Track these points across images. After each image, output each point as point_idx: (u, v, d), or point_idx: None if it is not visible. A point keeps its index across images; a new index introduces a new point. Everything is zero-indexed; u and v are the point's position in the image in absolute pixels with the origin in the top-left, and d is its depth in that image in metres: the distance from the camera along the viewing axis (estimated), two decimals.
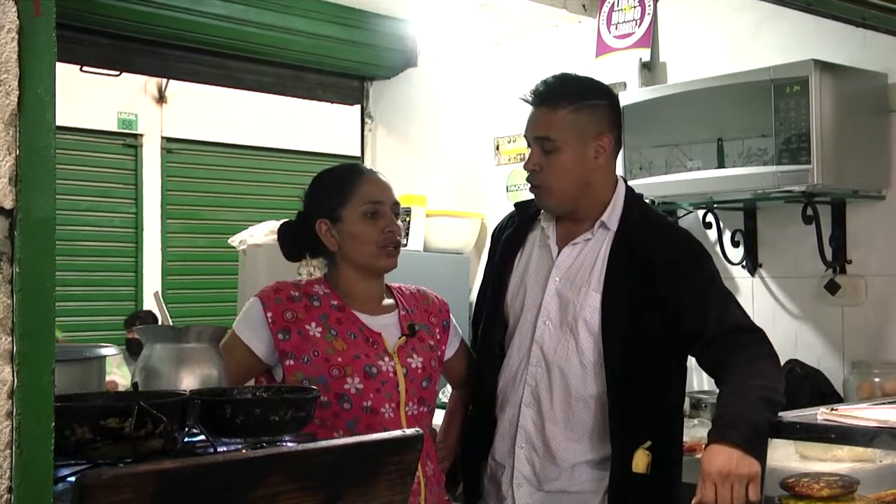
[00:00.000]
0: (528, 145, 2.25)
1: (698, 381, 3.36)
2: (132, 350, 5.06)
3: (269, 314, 2.13)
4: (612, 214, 2.22)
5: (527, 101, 2.25)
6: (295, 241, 2.28)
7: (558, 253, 2.25)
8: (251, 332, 2.14)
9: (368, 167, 2.41)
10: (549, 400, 2.19)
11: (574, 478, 2.18)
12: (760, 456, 1.94)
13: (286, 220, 2.34)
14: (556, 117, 2.19)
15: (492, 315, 2.33)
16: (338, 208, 2.20)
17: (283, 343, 2.12)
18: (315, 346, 2.12)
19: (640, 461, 2.11)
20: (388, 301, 2.27)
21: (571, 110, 2.18)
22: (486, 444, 2.29)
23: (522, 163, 2.28)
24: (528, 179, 2.26)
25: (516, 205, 2.46)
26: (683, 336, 2.16)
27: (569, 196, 2.21)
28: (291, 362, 2.11)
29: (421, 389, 2.20)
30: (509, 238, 2.37)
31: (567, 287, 2.22)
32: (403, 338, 2.21)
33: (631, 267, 2.17)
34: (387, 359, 2.16)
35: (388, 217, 2.21)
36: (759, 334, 2.15)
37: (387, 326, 2.21)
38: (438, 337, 2.30)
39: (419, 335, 2.23)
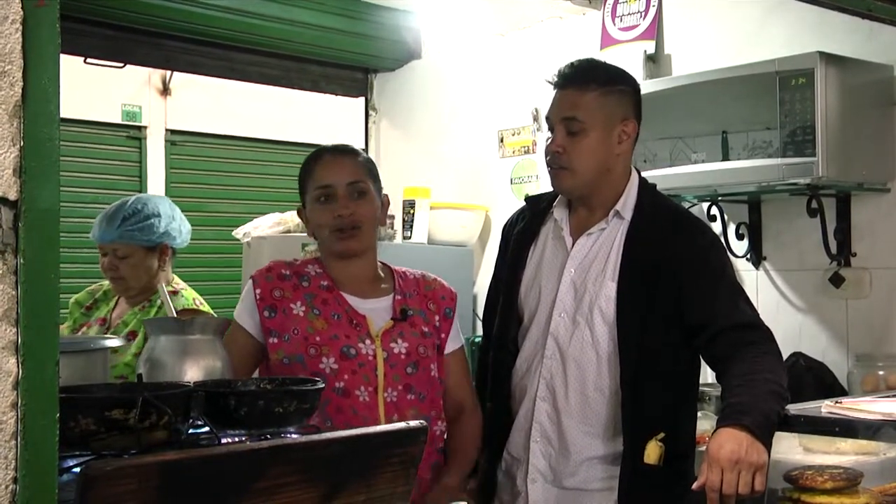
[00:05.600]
0: (551, 128, 2.23)
1: (702, 374, 3.35)
2: None
3: (258, 291, 2.17)
4: (627, 203, 2.21)
5: (554, 83, 2.23)
6: None
7: (573, 244, 2.23)
8: (246, 313, 2.18)
9: (335, 147, 2.29)
10: (564, 393, 2.18)
11: (588, 474, 2.16)
12: (769, 445, 1.93)
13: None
14: (584, 99, 2.17)
15: (506, 311, 2.30)
16: (303, 195, 2.26)
17: (269, 321, 2.15)
18: (296, 325, 2.14)
19: (653, 452, 2.09)
20: (384, 284, 2.26)
21: (600, 93, 2.18)
22: (501, 438, 2.28)
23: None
24: (548, 162, 2.23)
25: (527, 199, 2.43)
26: (688, 327, 2.14)
27: (589, 179, 2.19)
28: (275, 340, 2.14)
29: (406, 375, 2.17)
30: (521, 233, 2.34)
31: (582, 278, 2.20)
32: (391, 322, 2.20)
33: (645, 256, 2.15)
34: (368, 342, 2.15)
35: (340, 200, 2.18)
36: (765, 332, 2.14)
37: (376, 310, 2.20)
38: (438, 324, 2.26)
39: (411, 320, 2.21)
